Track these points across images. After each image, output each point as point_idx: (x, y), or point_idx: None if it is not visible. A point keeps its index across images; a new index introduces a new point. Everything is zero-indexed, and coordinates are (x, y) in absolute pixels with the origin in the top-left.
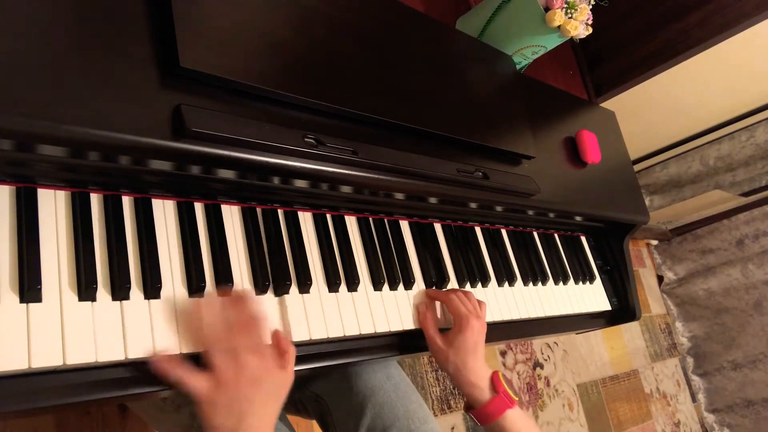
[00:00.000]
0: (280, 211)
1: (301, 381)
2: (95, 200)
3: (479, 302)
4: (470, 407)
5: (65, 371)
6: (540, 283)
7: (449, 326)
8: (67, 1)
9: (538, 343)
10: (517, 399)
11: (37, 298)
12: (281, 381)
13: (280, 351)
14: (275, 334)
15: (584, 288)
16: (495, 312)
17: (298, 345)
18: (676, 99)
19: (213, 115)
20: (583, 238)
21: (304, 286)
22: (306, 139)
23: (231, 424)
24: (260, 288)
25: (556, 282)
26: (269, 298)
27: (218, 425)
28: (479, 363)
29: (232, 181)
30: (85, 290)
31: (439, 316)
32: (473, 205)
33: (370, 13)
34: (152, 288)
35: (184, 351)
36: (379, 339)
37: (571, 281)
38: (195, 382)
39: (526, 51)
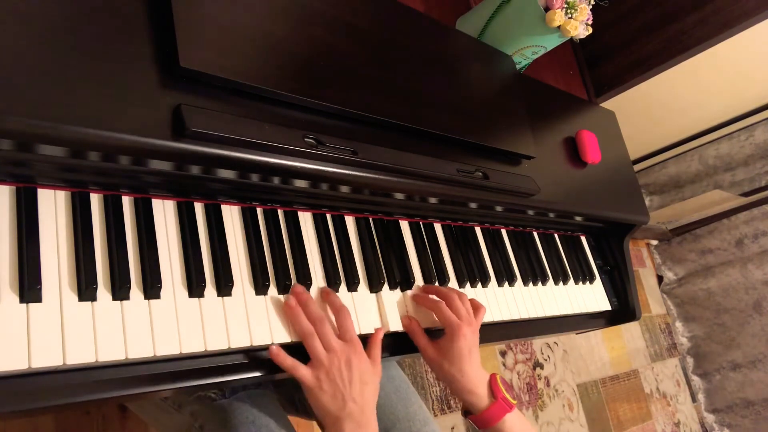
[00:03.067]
0: (280, 211)
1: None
2: (95, 200)
3: (474, 305)
4: (468, 413)
5: (65, 371)
6: (540, 283)
7: (437, 326)
8: (67, 1)
9: (538, 343)
10: (515, 402)
11: (37, 298)
12: (369, 366)
13: (369, 343)
14: (374, 334)
15: (584, 288)
16: (495, 312)
17: (298, 345)
18: (676, 99)
19: (213, 116)
20: (583, 238)
21: (304, 286)
22: (306, 139)
23: (336, 405)
24: (260, 288)
25: (556, 282)
26: (270, 298)
27: (326, 406)
28: (475, 368)
29: (232, 181)
30: (85, 290)
31: (426, 317)
32: (473, 205)
33: (370, 13)
34: (152, 288)
35: (279, 341)
36: (388, 338)
37: (571, 281)
38: (301, 371)
39: (526, 51)
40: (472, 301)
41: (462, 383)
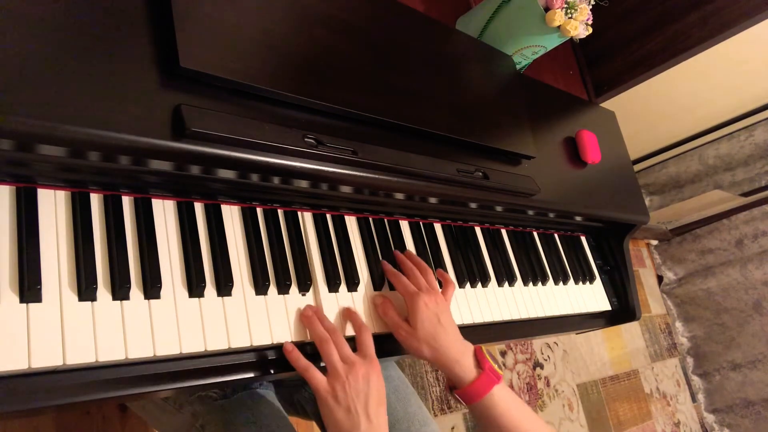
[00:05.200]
0: (280, 211)
1: (299, 382)
2: (95, 200)
3: (444, 279)
4: (453, 387)
5: (65, 371)
6: (540, 283)
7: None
8: (67, 1)
9: (538, 343)
10: (503, 373)
11: (37, 298)
12: (384, 387)
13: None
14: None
15: (584, 288)
16: (495, 312)
17: (298, 345)
18: (676, 99)
19: (213, 115)
20: (583, 238)
21: (304, 286)
22: (306, 139)
23: (351, 422)
24: (260, 288)
25: (556, 282)
26: (270, 298)
27: (340, 421)
28: (452, 337)
29: (232, 181)
30: (85, 290)
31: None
32: (473, 205)
33: (369, 13)
34: (152, 288)
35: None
36: (379, 339)
37: (571, 281)
38: (317, 376)
39: (526, 51)
40: (442, 275)
41: (443, 353)
